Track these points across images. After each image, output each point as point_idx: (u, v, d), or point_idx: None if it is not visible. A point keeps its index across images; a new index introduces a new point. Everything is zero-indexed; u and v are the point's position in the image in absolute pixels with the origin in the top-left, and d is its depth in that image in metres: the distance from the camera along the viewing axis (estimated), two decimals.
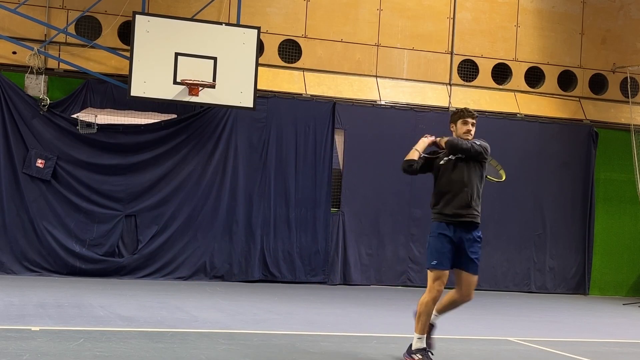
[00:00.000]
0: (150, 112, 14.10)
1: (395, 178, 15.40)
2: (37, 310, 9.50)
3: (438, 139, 7.62)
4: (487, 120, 15.93)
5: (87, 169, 13.85)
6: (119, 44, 14.13)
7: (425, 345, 7.34)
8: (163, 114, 14.17)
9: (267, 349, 7.80)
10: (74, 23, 13.98)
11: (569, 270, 16.40)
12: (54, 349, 7.08)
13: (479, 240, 7.41)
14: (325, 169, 15.03)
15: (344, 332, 9.34)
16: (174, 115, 14.24)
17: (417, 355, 7.27)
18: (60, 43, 13.94)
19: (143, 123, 14.08)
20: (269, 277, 14.66)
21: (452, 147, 7.39)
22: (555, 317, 12.54)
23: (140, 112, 14.06)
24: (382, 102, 15.49)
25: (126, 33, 13.92)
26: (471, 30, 16.09)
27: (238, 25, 13.88)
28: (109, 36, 14.11)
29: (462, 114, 7.48)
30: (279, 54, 15.11)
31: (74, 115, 13.78)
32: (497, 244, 15.90)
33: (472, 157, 7.38)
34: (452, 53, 15.97)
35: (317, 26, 15.28)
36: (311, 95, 15.07)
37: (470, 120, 7.44)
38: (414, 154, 7.81)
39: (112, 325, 8.69)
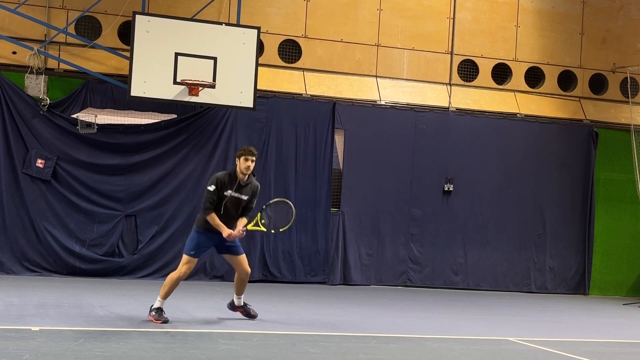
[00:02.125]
0: (150, 112, 14.10)
1: (395, 178, 15.42)
2: (37, 310, 9.51)
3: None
4: (487, 120, 15.97)
5: (87, 169, 13.85)
6: (119, 44, 14.13)
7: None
8: (163, 114, 14.17)
9: (267, 349, 7.80)
10: (74, 23, 13.98)
11: (569, 270, 16.40)
12: (54, 349, 7.08)
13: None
14: (325, 169, 15.03)
15: (344, 332, 9.33)
16: (174, 115, 14.23)
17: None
18: (60, 43, 13.94)
19: (143, 123, 14.08)
20: (269, 277, 14.66)
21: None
22: (555, 317, 12.54)
23: (140, 112, 14.06)
24: (382, 102, 15.49)
25: (126, 33, 13.92)
26: (471, 30, 16.09)
27: (238, 25, 13.89)
28: (109, 36, 14.11)
29: (242, 152, 9.24)
30: (279, 54, 15.11)
31: (74, 115, 13.78)
32: (497, 244, 15.90)
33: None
34: (452, 53, 15.97)
35: (317, 26, 15.28)
36: (311, 95, 15.07)
37: (250, 157, 9.20)
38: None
39: (112, 325, 8.69)
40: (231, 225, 9.30)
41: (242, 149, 9.34)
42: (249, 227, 9.34)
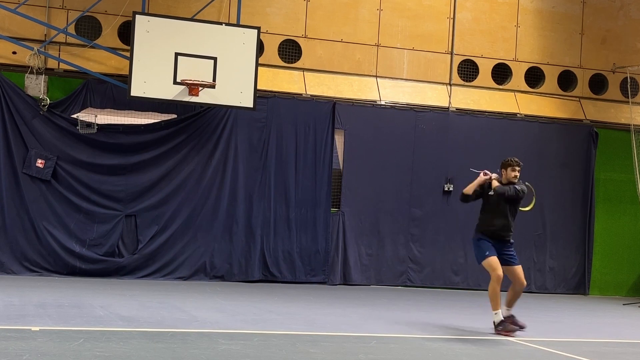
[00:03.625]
0: (150, 112, 14.10)
1: (395, 178, 15.42)
2: (37, 310, 9.51)
3: (493, 179, 10.05)
4: (487, 120, 15.97)
5: (87, 169, 13.85)
6: (119, 44, 14.14)
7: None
8: (163, 114, 14.17)
9: (267, 349, 7.80)
10: (74, 23, 13.98)
11: (569, 270, 16.40)
12: (54, 349, 7.08)
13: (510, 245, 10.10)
14: (325, 169, 15.03)
15: (344, 332, 9.34)
16: (174, 115, 14.24)
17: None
18: (60, 43, 13.94)
19: (143, 123, 14.08)
20: (269, 277, 14.66)
21: (499, 194, 9.96)
22: (555, 317, 12.54)
23: (140, 112, 14.06)
24: (382, 102, 15.50)
25: (126, 33, 13.93)
26: (471, 30, 16.10)
27: (238, 25, 13.89)
28: (109, 36, 14.11)
29: (509, 162, 10.05)
30: (279, 54, 15.11)
31: (74, 115, 13.78)
32: None
33: (509, 201, 10.01)
34: (452, 53, 15.97)
35: (317, 26, 15.28)
36: (311, 95, 15.07)
37: (517, 168, 10.04)
38: (470, 189, 10.15)
39: (112, 325, 8.69)
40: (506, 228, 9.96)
41: (508, 160, 10.16)
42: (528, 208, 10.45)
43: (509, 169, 9.99)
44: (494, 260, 9.71)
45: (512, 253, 9.95)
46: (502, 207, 9.92)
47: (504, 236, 9.92)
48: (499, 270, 9.68)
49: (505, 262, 9.86)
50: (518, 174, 10.00)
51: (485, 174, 10.11)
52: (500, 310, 9.75)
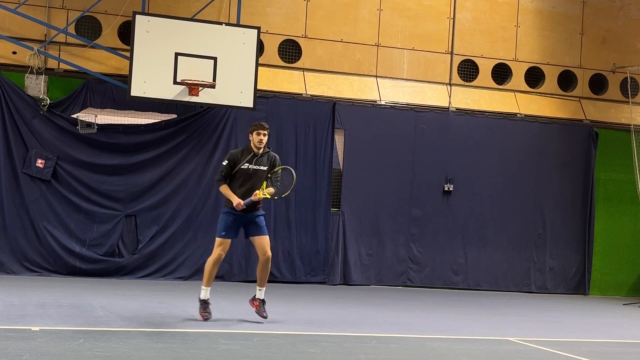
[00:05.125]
0: (150, 112, 14.10)
1: (395, 178, 15.42)
2: (37, 310, 9.50)
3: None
4: (487, 120, 15.97)
5: (87, 169, 13.85)
6: (119, 44, 14.14)
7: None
8: (163, 114, 14.17)
9: (267, 349, 7.80)
10: (74, 23, 13.98)
11: (569, 270, 16.40)
12: (54, 349, 7.08)
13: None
14: (325, 169, 15.03)
15: (344, 332, 9.34)
16: (174, 115, 14.24)
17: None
18: (60, 43, 13.94)
19: (143, 123, 14.08)
20: (269, 277, 14.60)
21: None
22: (555, 317, 12.54)
23: (140, 112, 14.05)
24: (382, 102, 15.49)
25: (126, 33, 13.93)
26: (471, 30, 16.10)
27: (238, 25, 13.89)
28: (109, 36, 14.11)
29: (255, 127, 9.58)
30: (279, 54, 15.11)
31: (74, 115, 13.78)
32: (497, 244, 15.91)
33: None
34: (452, 53, 15.97)
35: (317, 26, 15.28)
36: (311, 95, 15.07)
37: (262, 131, 9.55)
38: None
39: (112, 325, 8.69)
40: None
41: (254, 124, 9.70)
42: (258, 195, 9.42)
43: (254, 133, 9.56)
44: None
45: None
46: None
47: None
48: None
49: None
50: (264, 138, 9.55)
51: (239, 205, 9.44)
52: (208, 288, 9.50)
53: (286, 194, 9.77)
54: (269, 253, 9.68)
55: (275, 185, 9.61)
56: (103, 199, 13.89)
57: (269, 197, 9.55)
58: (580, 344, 9.67)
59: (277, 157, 9.80)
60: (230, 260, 14.41)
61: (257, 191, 9.42)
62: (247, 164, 9.50)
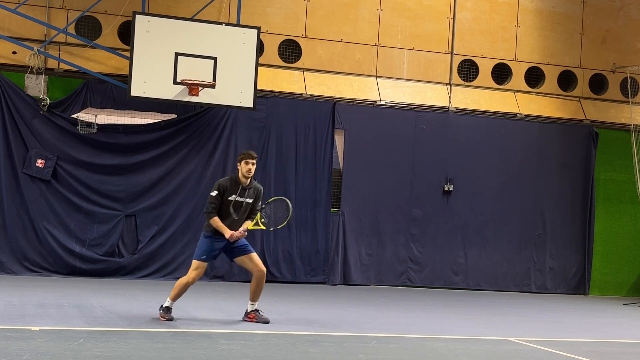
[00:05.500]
0: (150, 112, 14.10)
1: (395, 178, 15.42)
2: (37, 310, 9.51)
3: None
4: (487, 120, 15.97)
5: (87, 169, 13.85)
6: (119, 44, 14.14)
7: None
8: (163, 114, 14.17)
9: (267, 349, 7.80)
10: (74, 23, 13.98)
11: (569, 270, 16.40)
12: (54, 349, 7.08)
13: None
14: (325, 169, 15.04)
15: (344, 332, 9.34)
16: (174, 115, 14.24)
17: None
18: (60, 43, 13.94)
19: (143, 123, 14.09)
20: (269, 277, 14.50)
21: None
22: (555, 317, 12.54)
23: (140, 112, 14.06)
24: (382, 102, 15.49)
25: (126, 33, 13.93)
26: (471, 30, 16.10)
27: (238, 25, 13.89)
28: (109, 36, 14.11)
29: (243, 156, 9.43)
30: (279, 54, 15.11)
31: (74, 115, 13.78)
32: (497, 244, 15.91)
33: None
34: (452, 53, 15.97)
35: (317, 26, 15.28)
36: (311, 95, 15.07)
37: (250, 161, 9.38)
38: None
39: (112, 325, 8.69)
40: (237, 229, 9.45)
41: (242, 153, 9.56)
42: (250, 226, 9.46)
43: (243, 162, 9.39)
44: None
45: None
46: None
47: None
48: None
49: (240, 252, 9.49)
50: (253, 168, 9.37)
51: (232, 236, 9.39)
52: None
53: (282, 225, 9.66)
54: (264, 268, 9.53)
55: (268, 215, 9.56)
56: (103, 199, 13.89)
57: (263, 227, 9.55)
58: (580, 344, 9.67)
59: (262, 189, 9.68)
60: None
61: (249, 222, 9.44)
62: (234, 196, 9.39)
